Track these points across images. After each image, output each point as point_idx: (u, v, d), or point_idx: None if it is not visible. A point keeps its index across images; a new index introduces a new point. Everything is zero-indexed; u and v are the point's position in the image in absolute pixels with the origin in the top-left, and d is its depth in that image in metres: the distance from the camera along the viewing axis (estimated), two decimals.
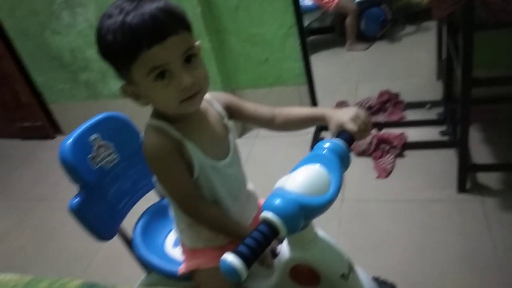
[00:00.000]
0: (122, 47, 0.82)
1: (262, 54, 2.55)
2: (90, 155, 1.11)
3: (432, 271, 1.64)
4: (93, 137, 1.13)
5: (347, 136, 0.91)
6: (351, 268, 0.93)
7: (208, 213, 1.01)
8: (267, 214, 0.75)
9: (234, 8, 2.41)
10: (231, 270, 0.69)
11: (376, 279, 1.14)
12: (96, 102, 3.01)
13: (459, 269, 1.63)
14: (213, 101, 1.04)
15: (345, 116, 0.94)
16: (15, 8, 2.75)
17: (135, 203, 1.25)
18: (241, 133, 2.80)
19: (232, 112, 1.08)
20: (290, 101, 2.56)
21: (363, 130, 0.93)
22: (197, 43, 0.90)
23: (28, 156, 3.24)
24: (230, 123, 1.06)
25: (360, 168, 2.26)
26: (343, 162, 0.85)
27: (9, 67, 3.08)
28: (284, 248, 0.93)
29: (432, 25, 2.69)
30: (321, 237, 0.91)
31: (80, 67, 2.89)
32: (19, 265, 2.21)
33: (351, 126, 0.92)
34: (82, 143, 1.10)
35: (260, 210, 1.13)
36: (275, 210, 0.75)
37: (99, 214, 1.14)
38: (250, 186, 1.16)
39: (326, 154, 0.84)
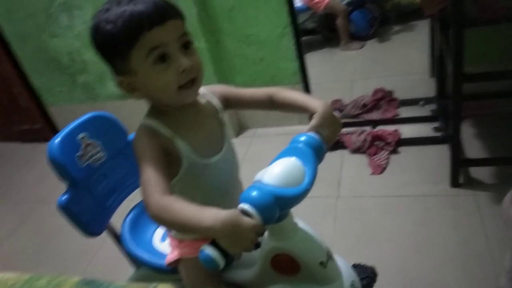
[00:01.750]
0: (123, 31, 0.84)
1: (257, 54, 2.56)
2: (78, 153, 1.12)
3: (427, 264, 1.65)
4: (80, 135, 1.14)
5: None
6: (329, 256, 0.96)
7: (159, 202, 0.84)
8: (244, 206, 0.78)
9: (230, 9, 2.42)
10: (209, 259, 0.74)
11: (356, 266, 1.16)
12: (94, 104, 3.02)
13: (453, 262, 1.64)
14: (208, 94, 1.05)
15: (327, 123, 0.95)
16: (13, 11, 2.78)
17: (123, 200, 1.27)
18: (238, 132, 2.82)
19: (230, 101, 1.08)
20: None
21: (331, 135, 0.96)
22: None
23: (28, 159, 3.25)
24: (225, 117, 1.06)
25: (355, 164, 2.28)
26: (318, 154, 0.89)
27: (7, 70, 3.09)
28: (265, 239, 0.95)
29: (423, 23, 2.71)
30: (300, 227, 0.93)
31: (78, 70, 2.92)
32: (19, 266, 2.22)
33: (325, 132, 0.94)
34: (70, 141, 1.11)
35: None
36: (251, 201, 0.78)
37: (87, 211, 1.16)
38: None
39: (302, 147, 0.87)
